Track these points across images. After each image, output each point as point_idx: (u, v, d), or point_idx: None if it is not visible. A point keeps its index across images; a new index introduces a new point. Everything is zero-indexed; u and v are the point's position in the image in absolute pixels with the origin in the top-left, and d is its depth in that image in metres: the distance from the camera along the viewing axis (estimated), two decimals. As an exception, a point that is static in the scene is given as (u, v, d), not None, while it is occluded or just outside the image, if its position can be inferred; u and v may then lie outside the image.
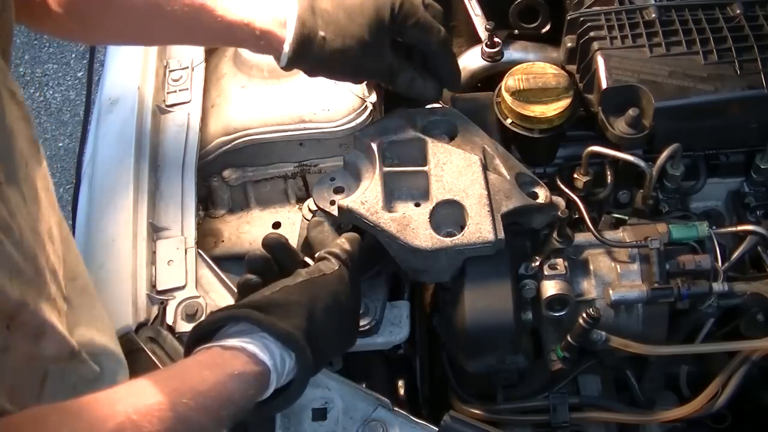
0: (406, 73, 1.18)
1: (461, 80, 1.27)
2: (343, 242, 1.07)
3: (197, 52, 1.51)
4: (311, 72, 1.18)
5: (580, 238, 1.21)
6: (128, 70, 1.47)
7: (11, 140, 0.82)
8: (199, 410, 0.81)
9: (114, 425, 0.74)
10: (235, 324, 0.93)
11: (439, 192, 1.11)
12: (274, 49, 1.13)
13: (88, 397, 0.78)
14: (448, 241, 1.07)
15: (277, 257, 1.06)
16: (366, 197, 1.10)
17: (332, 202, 1.16)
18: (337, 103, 1.40)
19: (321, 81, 1.42)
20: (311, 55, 1.12)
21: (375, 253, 1.14)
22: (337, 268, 1.03)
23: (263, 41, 1.12)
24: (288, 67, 1.14)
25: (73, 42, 1.57)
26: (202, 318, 1.19)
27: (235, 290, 1.23)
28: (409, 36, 1.16)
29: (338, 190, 1.18)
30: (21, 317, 0.80)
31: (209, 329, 0.94)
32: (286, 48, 1.11)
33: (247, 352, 0.88)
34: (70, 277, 0.97)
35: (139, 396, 0.78)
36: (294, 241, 1.35)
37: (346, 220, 1.15)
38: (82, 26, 1.16)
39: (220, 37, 1.17)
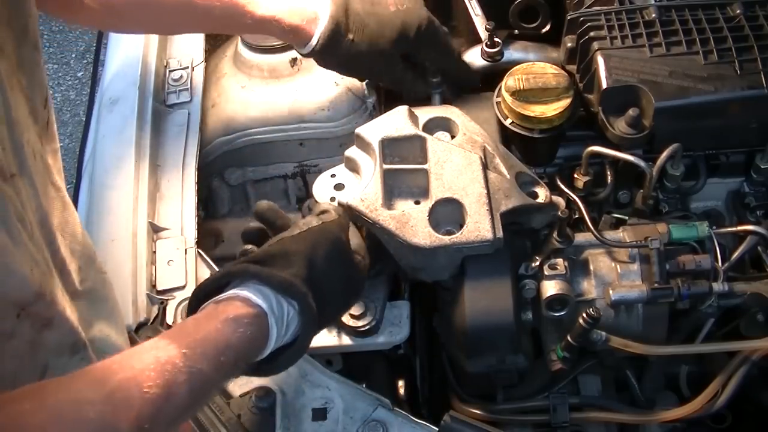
0: (413, 87, 1.32)
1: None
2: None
3: (197, 52, 1.52)
4: (327, 65, 1.28)
5: (580, 238, 1.21)
6: (128, 70, 1.47)
7: (21, 133, 0.82)
8: (196, 359, 0.80)
9: (111, 388, 0.73)
10: (234, 280, 0.93)
11: (438, 190, 1.11)
12: (300, 41, 1.22)
13: (83, 369, 0.77)
14: (446, 239, 1.07)
15: (271, 223, 1.06)
16: (366, 194, 1.11)
17: (332, 198, 1.16)
18: (337, 103, 1.40)
19: (321, 81, 1.43)
20: (336, 52, 1.22)
21: (375, 253, 1.14)
22: (336, 217, 1.03)
23: (291, 35, 1.22)
24: (307, 55, 1.24)
25: (105, 30, 1.61)
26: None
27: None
28: (426, 56, 1.30)
29: (338, 187, 1.18)
30: (35, 307, 0.80)
31: (209, 290, 0.93)
32: (314, 41, 1.20)
33: (240, 297, 0.88)
34: (84, 274, 0.97)
35: (136, 358, 0.78)
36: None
37: (346, 218, 1.15)
38: (119, 20, 1.23)
39: (249, 29, 1.26)
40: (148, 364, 0.76)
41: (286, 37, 1.23)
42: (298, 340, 0.94)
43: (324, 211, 1.05)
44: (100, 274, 1.04)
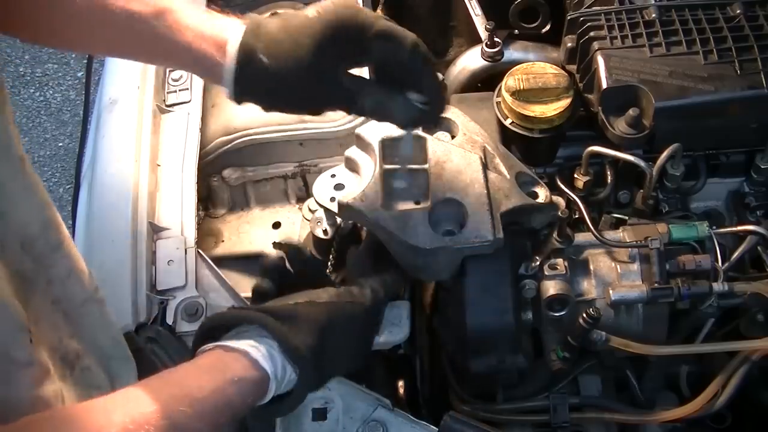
0: (368, 97, 0.97)
1: (456, 86, 1.16)
2: (384, 277, 1.08)
3: (197, 52, 1.51)
4: (266, 106, 0.99)
5: (580, 238, 1.20)
6: (128, 70, 1.47)
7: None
8: (196, 417, 0.80)
9: None
10: (248, 326, 0.92)
11: (438, 190, 1.11)
12: (212, 76, 0.96)
13: (83, 405, 0.77)
14: (446, 239, 1.07)
15: (294, 263, 1.06)
16: (366, 194, 1.10)
17: (332, 199, 1.16)
18: (337, 103, 1.40)
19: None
20: (253, 84, 0.95)
21: (375, 253, 1.14)
22: (366, 300, 1.03)
23: (203, 68, 0.96)
24: (237, 99, 0.96)
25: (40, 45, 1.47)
26: (203, 318, 1.19)
27: (235, 290, 1.23)
28: (372, 51, 0.95)
29: (338, 187, 1.18)
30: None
31: (220, 326, 0.93)
32: (226, 75, 0.94)
33: (250, 357, 0.87)
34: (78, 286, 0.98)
35: (135, 404, 0.77)
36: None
37: (346, 217, 1.15)
38: (34, 31, 1.04)
39: (160, 57, 1.04)
40: (147, 416, 0.76)
41: (200, 72, 1.00)
42: (292, 397, 0.93)
43: (358, 285, 1.04)
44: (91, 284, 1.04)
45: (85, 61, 1.51)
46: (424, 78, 0.98)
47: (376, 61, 0.97)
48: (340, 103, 1.00)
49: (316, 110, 1.01)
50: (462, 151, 1.16)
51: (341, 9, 0.95)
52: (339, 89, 0.96)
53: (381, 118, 1.02)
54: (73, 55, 3.54)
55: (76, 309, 0.96)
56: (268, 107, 0.98)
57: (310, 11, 0.95)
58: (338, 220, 1.20)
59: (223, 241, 1.42)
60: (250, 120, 1.41)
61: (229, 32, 0.94)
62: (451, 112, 1.24)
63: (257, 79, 0.94)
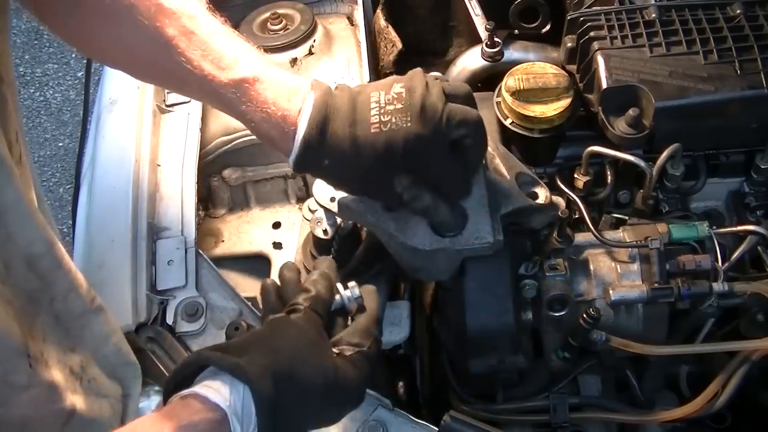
0: (419, 202, 1.00)
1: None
2: (312, 287, 0.97)
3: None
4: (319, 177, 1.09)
5: (580, 238, 1.21)
6: (128, 70, 1.47)
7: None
8: None
9: None
10: (202, 369, 0.84)
11: None
12: (281, 153, 1.02)
13: None
14: (446, 241, 1.06)
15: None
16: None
17: (332, 199, 1.16)
18: (337, 103, 1.40)
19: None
20: (312, 171, 1.03)
21: (375, 253, 1.14)
22: (303, 313, 0.93)
23: (268, 143, 1.01)
24: (296, 172, 1.07)
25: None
26: (203, 318, 1.19)
27: (235, 290, 1.24)
28: (424, 176, 0.99)
29: (339, 187, 1.18)
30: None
31: (178, 380, 0.84)
32: (290, 160, 0.99)
33: (200, 397, 0.79)
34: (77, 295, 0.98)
35: None
36: (294, 242, 1.35)
37: (346, 217, 1.14)
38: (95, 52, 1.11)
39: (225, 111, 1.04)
40: None
41: (262, 139, 1.02)
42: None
43: (293, 308, 0.95)
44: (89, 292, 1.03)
45: (85, 61, 1.51)
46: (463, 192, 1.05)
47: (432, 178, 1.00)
48: (389, 202, 1.05)
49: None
50: (462, 151, 1.16)
51: (407, 128, 0.96)
52: (390, 195, 1.00)
53: (428, 220, 1.05)
54: (73, 55, 3.55)
55: (75, 321, 0.96)
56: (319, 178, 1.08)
57: (376, 124, 0.96)
58: (338, 220, 1.20)
59: (223, 241, 1.42)
60: (250, 120, 1.41)
61: (297, 118, 0.97)
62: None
63: (316, 169, 1.01)
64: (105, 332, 1.02)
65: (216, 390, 0.79)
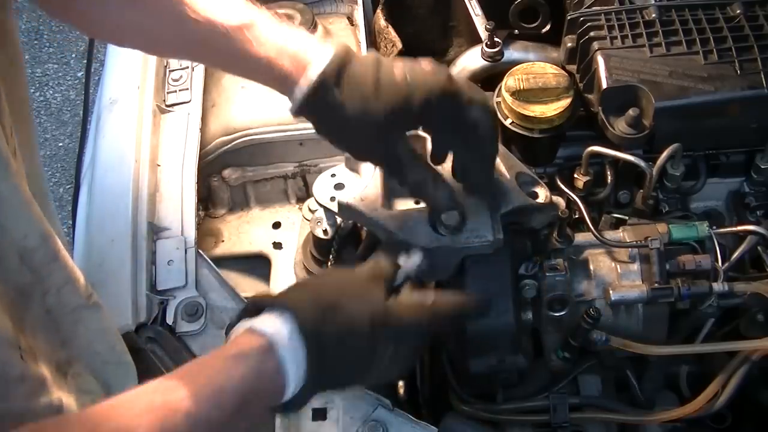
0: (416, 173, 0.99)
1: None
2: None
3: (197, 52, 1.51)
4: (317, 129, 1.01)
5: (580, 238, 1.20)
6: (128, 70, 1.47)
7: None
8: (197, 402, 0.75)
9: None
10: (258, 313, 0.88)
11: None
12: (286, 91, 0.98)
13: (72, 415, 0.76)
14: (446, 239, 1.07)
15: None
16: (366, 194, 1.10)
17: (332, 199, 1.16)
18: (337, 103, 1.40)
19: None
20: (316, 112, 0.97)
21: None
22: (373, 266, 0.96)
23: (277, 81, 0.97)
24: (294, 114, 0.98)
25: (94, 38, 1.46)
26: (203, 318, 1.19)
27: (235, 290, 1.24)
28: (439, 138, 0.99)
29: (338, 186, 1.18)
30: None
31: (239, 320, 0.89)
32: (297, 94, 0.95)
33: (249, 330, 0.83)
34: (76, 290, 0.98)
35: (130, 404, 0.75)
36: (294, 242, 1.35)
37: (346, 217, 1.15)
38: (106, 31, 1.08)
39: (238, 69, 1.04)
40: (142, 410, 0.73)
41: (273, 85, 1.00)
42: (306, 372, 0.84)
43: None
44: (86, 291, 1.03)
45: (86, 61, 1.51)
46: (481, 180, 1.03)
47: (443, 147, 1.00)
48: (385, 166, 1.02)
49: (358, 156, 1.04)
50: (462, 151, 1.16)
51: (432, 81, 0.94)
52: (392, 156, 0.97)
53: (417, 196, 1.04)
54: (73, 55, 3.55)
55: (68, 316, 0.96)
56: (318, 130, 1.00)
57: (399, 68, 0.94)
58: (338, 220, 1.20)
59: (223, 241, 1.42)
60: (250, 120, 1.41)
61: (312, 54, 0.94)
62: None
63: (322, 111, 0.95)
64: (99, 329, 1.01)
65: (264, 322, 0.83)
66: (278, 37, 0.96)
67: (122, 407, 0.75)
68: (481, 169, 1.03)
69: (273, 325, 0.83)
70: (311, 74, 0.93)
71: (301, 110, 0.96)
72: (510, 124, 1.28)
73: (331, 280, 0.93)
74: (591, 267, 1.20)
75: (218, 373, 0.79)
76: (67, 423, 0.74)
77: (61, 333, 0.95)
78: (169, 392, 0.76)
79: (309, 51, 0.95)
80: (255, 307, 0.87)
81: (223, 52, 0.99)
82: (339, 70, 0.93)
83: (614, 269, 1.19)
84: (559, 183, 1.29)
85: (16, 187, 0.85)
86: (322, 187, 1.18)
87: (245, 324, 0.85)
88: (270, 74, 0.97)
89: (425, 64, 0.96)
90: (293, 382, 0.82)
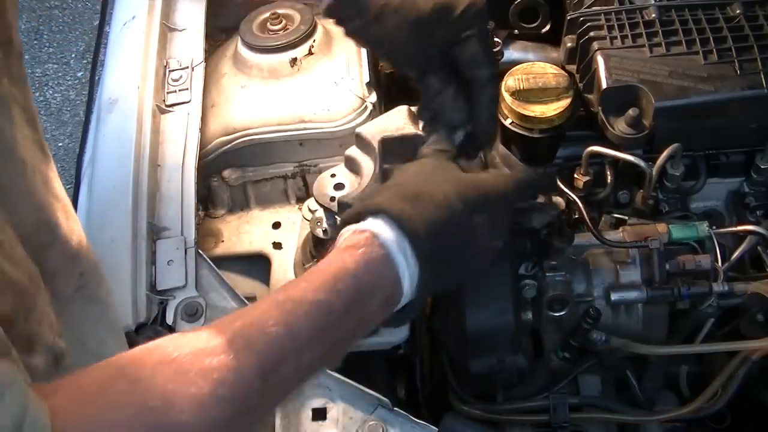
0: (436, 80, 1.01)
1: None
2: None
3: (197, 52, 1.51)
4: (347, 26, 1.05)
5: (580, 238, 1.20)
6: (128, 70, 1.47)
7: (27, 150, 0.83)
8: (315, 290, 0.76)
9: (231, 336, 0.71)
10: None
11: None
12: None
13: (201, 327, 0.76)
14: None
15: None
16: (365, 194, 1.10)
17: (332, 199, 1.16)
18: (337, 103, 1.40)
19: (321, 81, 1.43)
20: (358, 8, 1.00)
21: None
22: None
23: None
24: (327, 10, 1.03)
25: None
26: (203, 318, 1.19)
27: (235, 290, 1.24)
28: (458, 52, 0.99)
29: (338, 186, 1.18)
30: (14, 331, 0.81)
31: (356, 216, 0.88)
32: None
33: (351, 229, 0.84)
34: (84, 280, 0.97)
35: (256, 306, 0.77)
36: (294, 242, 1.35)
37: (346, 217, 1.14)
38: None
39: None
40: (267, 307, 0.75)
41: None
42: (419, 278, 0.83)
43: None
44: (101, 281, 1.03)
45: (85, 61, 1.51)
46: (481, 110, 1.02)
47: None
48: (412, 64, 1.03)
49: (389, 56, 1.07)
50: (462, 151, 1.16)
51: None
52: (423, 52, 0.99)
53: (435, 104, 1.04)
54: (73, 55, 3.55)
55: (61, 307, 0.96)
56: (358, 35, 1.05)
57: None
58: (338, 220, 1.20)
59: (223, 241, 1.42)
60: (250, 120, 1.41)
61: None
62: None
63: (362, 4, 0.99)
64: (92, 320, 1.01)
65: (362, 225, 0.83)
66: None
67: (249, 308, 0.77)
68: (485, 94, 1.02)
69: (372, 224, 0.83)
70: None
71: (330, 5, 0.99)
72: (510, 124, 1.28)
73: (407, 176, 0.92)
74: (591, 267, 1.20)
75: (330, 263, 0.80)
76: (193, 334, 0.72)
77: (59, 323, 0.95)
78: (289, 288, 0.78)
79: None
80: (349, 217, 0.86)
81: None
82: None
83: (614, 269, 1.19)
84: (559, 183, 1.29)
85: (19, 174, 0.86)
86: (322, 188, 1.18)
87: (349, 229, 0.85)
88: None
89: None
90: (407, 276, 0.82)
